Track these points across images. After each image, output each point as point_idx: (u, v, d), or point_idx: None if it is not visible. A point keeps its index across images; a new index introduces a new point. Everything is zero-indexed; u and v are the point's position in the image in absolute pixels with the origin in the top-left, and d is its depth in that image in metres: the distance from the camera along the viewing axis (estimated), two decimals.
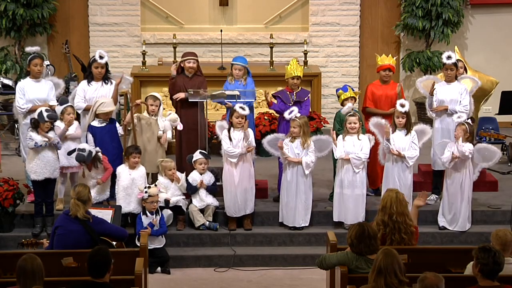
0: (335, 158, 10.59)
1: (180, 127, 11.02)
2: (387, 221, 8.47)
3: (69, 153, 10.47)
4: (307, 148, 10.53)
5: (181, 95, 11.18)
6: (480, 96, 11.72)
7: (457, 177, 10.54)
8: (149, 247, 9.89)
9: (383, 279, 6.79)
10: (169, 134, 10.97)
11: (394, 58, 11.43)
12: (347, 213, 10.59)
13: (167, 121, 10.94)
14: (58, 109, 10.65)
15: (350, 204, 10.56)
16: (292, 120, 10.53)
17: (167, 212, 10.50)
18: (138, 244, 9.85)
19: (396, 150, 10.46)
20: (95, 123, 10.74)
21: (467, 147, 10.37)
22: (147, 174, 10.77)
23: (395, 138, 10.55)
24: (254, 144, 10.65)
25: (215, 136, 11.12)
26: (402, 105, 10.50)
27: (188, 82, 11.23)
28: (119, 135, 10.93)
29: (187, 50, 12.53)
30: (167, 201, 10.52)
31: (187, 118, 11.23)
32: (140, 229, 9.99)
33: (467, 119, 10.61)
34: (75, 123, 10.83)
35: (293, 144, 10.56)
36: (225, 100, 11.03)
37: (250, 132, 10.66)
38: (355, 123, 10.52)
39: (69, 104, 10.78)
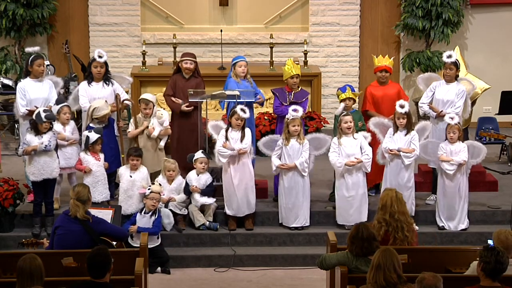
0: (338, 167, 10.54)
1: (166, 123, 11.00)
2: (389, 220, 8.50)
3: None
4: (303, 146, 10.52)
5: (186, 109, 11.13)
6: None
7: (452, 176, 10.54)
8: (137, 245, 9.95)
9: (382, 275, 6.79)
10: (156, 132, 10.95)
11: (391, 58, 11.41)
12: (354, 214, 10.58)
13: (155, 119, 10.96)
14: (54, 108, 10.64)
15: (357, 205, 10.57)
16: (293, 119, 10.51)
17: (166, 212, 10.49)
18: (130, 242, 9.90)
19: (393, 149, 10.47)
20: (93, 125, 10.73)
21: (462, 153, 10.44)
22: None
23: (395, 139, 10.55)
24: (248, 148, 10.59)
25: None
26: (402, 106, 10.50)
27: (185, 84, 11.21)
28: (116, 136, 11.00)
29: (187, 50, 12.56)
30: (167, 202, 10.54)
31: (185, 118, 11.22)
32: (127, 225, 10.01)
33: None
34: (71, 123, 10.81)
35: (288, 146, 10.53)
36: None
37: (248, 134, 10.64)
38: (350, 122, 10.52)
39: (65, 104, 10.77)
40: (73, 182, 10.75)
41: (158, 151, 11.05)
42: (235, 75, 11.24)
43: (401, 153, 10.47)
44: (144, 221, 10.12)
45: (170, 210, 10.54)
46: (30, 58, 10.96)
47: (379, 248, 7.11)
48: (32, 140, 10.15)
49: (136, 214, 10.20)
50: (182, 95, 11.16)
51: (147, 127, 10.95)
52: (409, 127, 10.56)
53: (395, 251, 6.97)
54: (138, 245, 9.82)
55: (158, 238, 10.20)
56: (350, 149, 10.52)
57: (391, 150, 10.50)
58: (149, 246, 10.00)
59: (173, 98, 11.18)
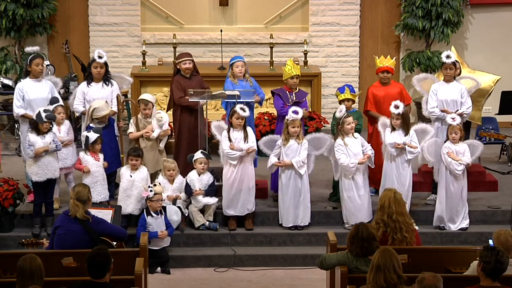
0: (351, 167, 10.53)
1: (165, 127, 11.00)
2: (387, 221, 8.50)
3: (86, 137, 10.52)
4: (301, 146, 10.52)
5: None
6: (477, 96, 11.68)
7: (458, 177, 10.53)
8: (156, 248, 10.00)
9: (382, 275, 6.79)
10: (155, 133, 10.96)
11: (393, 59, 11.42)
12: (365, 213, 10.58)
13: (154, 120, 10.97)
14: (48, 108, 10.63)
15: (367, 203, 10.58)
16: (292, 121, 10.50)
17: (174, 209, 10.47)
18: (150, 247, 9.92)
19: (400, 143, 10.49)
20: (93, 125, 10.72)
21: (467, 153, 10.45)
22: None
23: (394, 137, 10.57)
24: (255, 146, 10.63)
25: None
26: (396, 106, 10.52)
27: (188, 83, 11.22)
28: (116, 136, 11.00)
29: (187, 50, 12.57)
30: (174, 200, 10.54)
31: (186, 118, 11.23)
32: (141, 230, 9.95)
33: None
34: (66, 123, 10.80)
35: (286, 146, 10.53)
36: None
37: (251, 132, 10.64)
38: (352, 122, 10.54)
39: (59, 103, 10.75)
40: (70, 181, 10.75)
41: (159, 151, 11.05)
42: (232, 75, 11.26)
43: (406, 146, 10.48)
44: (158, 222, 10.11)
45: (179, 207, 10.53)
46: (29, 58, 10.96)
47: (379, 248, 7.11)
48: (36, 140, 10.13)
49: (143, 217, 10.14)
50: None
51: (150, 130, 10.94)
52: (405, 128, 10.57)
53: (395, 251, 6.97)
54: (159, 247, 9.99)
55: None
56: (355, 148, 10.55)
57: (398, 144, 10.50)
58: (162, 247, 10.11)
59: (187, 97, 11.17)
